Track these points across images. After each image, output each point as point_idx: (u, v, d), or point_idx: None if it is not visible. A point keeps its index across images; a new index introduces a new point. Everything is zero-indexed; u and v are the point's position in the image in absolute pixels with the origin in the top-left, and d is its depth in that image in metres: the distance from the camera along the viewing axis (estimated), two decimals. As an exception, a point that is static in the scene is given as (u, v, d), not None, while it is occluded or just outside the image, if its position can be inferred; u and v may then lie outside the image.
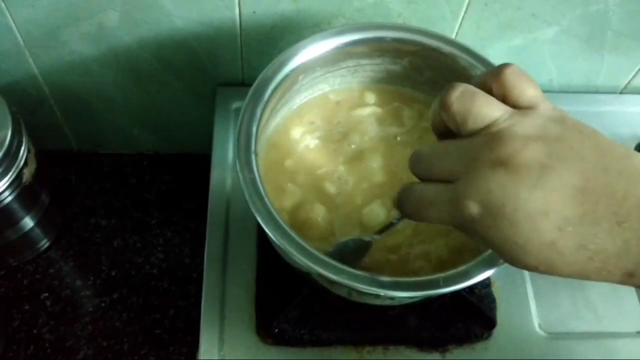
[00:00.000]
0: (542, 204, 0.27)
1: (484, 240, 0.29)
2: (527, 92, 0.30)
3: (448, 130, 0.31)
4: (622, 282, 0.28)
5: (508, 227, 0.27)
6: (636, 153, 0.28)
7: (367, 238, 0.42)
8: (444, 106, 0.30)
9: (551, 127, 0.28)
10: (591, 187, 0.27)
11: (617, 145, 0.28)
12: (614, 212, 0.26)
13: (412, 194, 0.32)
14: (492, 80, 0.30)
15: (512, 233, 0.27)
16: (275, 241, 0.37)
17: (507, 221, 0.27)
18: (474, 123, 0.29)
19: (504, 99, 0.30)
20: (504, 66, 0.30)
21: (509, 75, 0.30)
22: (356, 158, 0.48)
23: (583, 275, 0.28)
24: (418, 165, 0.32)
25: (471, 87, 0.30)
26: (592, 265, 0.27)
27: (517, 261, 0.29)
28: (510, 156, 0.27)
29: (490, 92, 0.30)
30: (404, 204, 0.33)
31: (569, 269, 0.28)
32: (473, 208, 0.28)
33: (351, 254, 0.42)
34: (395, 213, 0.42)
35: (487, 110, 0.29)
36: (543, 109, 0.30)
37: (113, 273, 0.63)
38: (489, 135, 0.29)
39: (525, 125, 0.28)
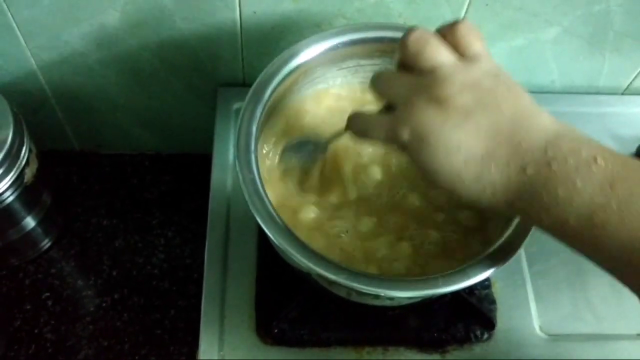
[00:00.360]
0: (457, 141, 0.33)
1: (412, 161, 0.35)
2: (474, 45, 0.35)
3: (405, 66, 0.36)
4: (505, 210, 0.34)
5: (428, 154, 0.34)
6: (542, 113, 0.34)
7: (322, 140, 0.45)
8: (402, 45, 0.35)
9: (486, 79, 0.34)
10: (499, 134, 0.33)
11: (532, 104, 0.34)
12: (508, 154, 0.32)
13: (360, 117, 0.39)
14: (446, 30, 0.35)
15: (430, 160, 0.34)
16: (275, 241, 0.37)
17: (429, 149, 0.33)
18: (423, 63, 0.34)
19: (455, 48, 0.35)
20: (458, 20, 0.35)
21: (461, 28, 0.35)
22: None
23: (476, 201, 0.34)
24: (376, 84, 0.37)
25: (428, 32, 0.35)
26: (485, 194, 0.34)
27: (432, 182, 0.35)
28: (445, 98, 0.33)
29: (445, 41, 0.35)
30: (353, 124, 0.39)
31: (468, 194, 0.34)
32: (405, 133, 0.34)
33: (305, 153, 0.46)
34: None
35: (436, 54, 0.34)
36: (484, 62, 0.35)
37: (114, 273, 0.63)
38: (433, 77, 0.34)
39: (465, 74, 0.34)
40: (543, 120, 0.33)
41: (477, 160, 0.33)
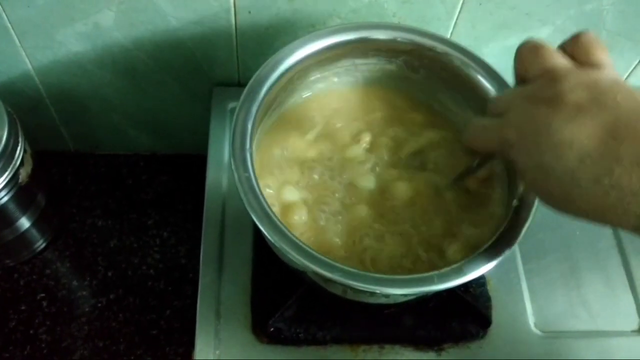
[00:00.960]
0: (569, 136, 0.29)
1: (516, 164, 0.33)
2: (597, 53, 0.33)
3: (524, 82, 0.35)
4: (636, 228, 0.29)
5: (536, 153, 0.31)
6: None
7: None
8: (518, 54, 0.34)
9: (604, 82, 0.31)
10: (620, 129, 0.29)
11: None
12: (635, 153, 0.28)
13: (472, 124, 0.37)
14: (568, 41, 0.34)
15: (538, 159, 0.31)
16: (270, 239, 0.37)
17: (536, 147, 0.31)
18: (537, 67, 0.33)
19: (575, 57, 0.33)
20: (583, 31, 0.34)
21: (584, 37, 0.33)
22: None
23: (598, 212, 0.30)
24: (491, 103, 0.36)
25: (541, 41, 0.34)
26: (608, 201, 0.29)
27: (538, 187, 0.32)
28: (556, 95, 0.31)
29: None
30: (465, 135, 0.37)
31: (585, 204, 0.30)
32: (511, 133, 0.32)
33: None
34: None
35: (549, 58, 0.33)
36: (606, 70, 0.32)
37: (109, 273, 0.63)
38: (545, 79, 0.32)
39: (580, 76, 0.31)
40: None
41: (595, 157, 0.29)
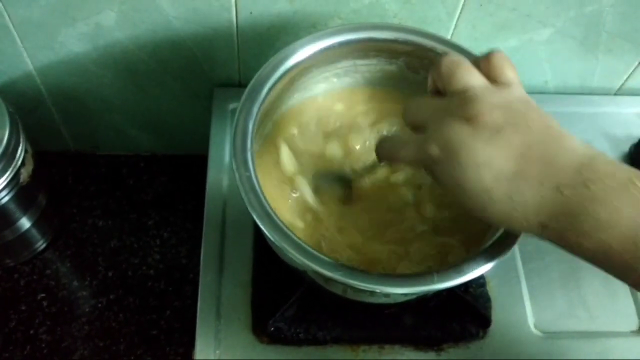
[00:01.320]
0: (488, 157, 0.32)
1: (439, 180, 0.35)
2: (507, 72, 0.36)
3: (438, 92, 0.37)
4: (538, 233, 0.33)
5: (458, 171, 0.33)
6: (572, 136, 0.34)
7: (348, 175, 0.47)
8: (436, 67, 0.36)
9: (516, 104, 0.34)
10: (530, 153, 0.32)
11: (561, 129, 0.34)
12: (540, 173, 0.32)
13: (389, 139, 0.40)
14: (480, 59, 0.36)
15: (460, 176, 0.33)
16: (271, 238, 0.37)
17: (458, 165, 0.33)
18: (455, 84, 0.35)
19: (487, 75, 0.36)
20: (493, 50, 0.36)
21: (496, 56, 0.36)
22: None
23: (507, 222, 0.34)
24: (407, 111, 0.38)
25: (460, 57, 0.36)
26: (515, 215, 0.33)
27: (460, 202, 0.35)
28: (475, 115, 0.33)
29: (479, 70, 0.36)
30: (382, 147, 0.40)
31: (497, 215, 0.33)
32: (434, 149, 0.34)
33: (329, 185, 0.47)
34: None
35: (468, 76, 0.35)
36: (515, 89, 0.35)
37: (110, 274, 0.63)
38: (464, 98, 0.34)
39: (495, 96, 0.34)
40: (574, 142, 0.33)
41: (508, 177, 0.32)
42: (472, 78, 0.35)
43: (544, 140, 0.33)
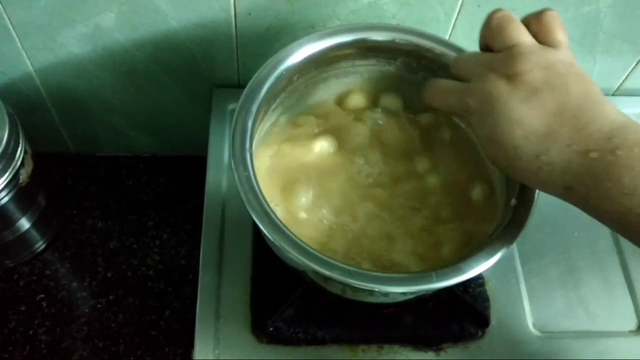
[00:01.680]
0: (521, 116, 0.34)
1: (473, 129, 0.37)
2: (556, 33, 0.36)
3: (487, 49, 0.38)
4: (563, 195, 0.34)
5: (491, 125, 0.35)
6: (609, 103, 0.34)
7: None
8: (488, 21, 0.37)
9: (559, 65, 0.35)
10: (563, 115, 0.33)
11: (600, 94, 0.35)
12: (570, 137, 0.33)
13: (435, 85, 0.41)
14: (532, 17, 0.37)
15: (492, 130, 0.35)
16: (270, 238, 0.38)
17: (492, 119, 0.35)
18: (503, 40, 0.36)
19: (536, 34, 0.36)
20: (546, 9, 0.37)
21: (547, 15, 0.36)
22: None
23: (532, 180, 0.35)
24: (455, 64, 0.40)
25: (511, 14, 0.36)
26: (541, 174, 0.34)
27: (489, 154, 0.36)
28: (517, 73, 0.34)
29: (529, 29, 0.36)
30: (427, 93, 0.41)
31: (522, 172, 0.35)
32: (473, 101, 0.36)
33: None
34: None
35: (517, 33, 0.36)
36: (562, 52, 0.36)
37: (109, 274, 0.63)
38: (509, 54, 0.35)
39: (540, 56, 0.35)
40: (609, 110, 0.34)
41: (538, 137, 0.33)
42: (521, 35, 0.35)
43: (579, 104, 0.33)
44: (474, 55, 0.39)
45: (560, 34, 0.36)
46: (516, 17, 0.36)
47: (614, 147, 0.32)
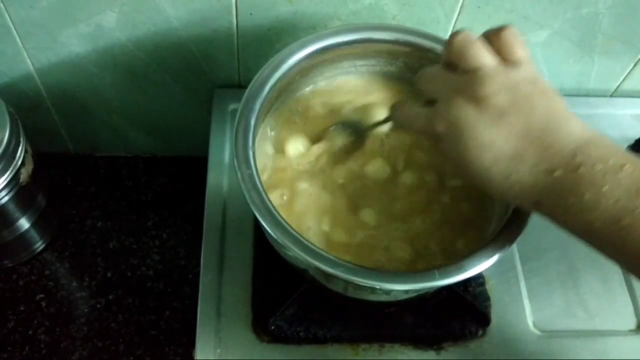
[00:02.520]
0: (490, 139, 0.34)
1: (444, 153, 0.37)
2: (517, 51, 0.36)
3: (450, 65, 0.38)
4: (534, 209, 0.36)
5: (461, 149, 0.35)
6: (574, 119, 0.35)
7: (361, 127, 0.48)
8: (449, 43, 0.37)
9: (524, 84, 0.35)
10: (529, 136, 0.34)
11: (565, 110, 0.35)
12: (536, 156, 0.34)
13: (402, 108, 0.41)
14: (492, 34, 0.37)
15: (463, 154, 0.35)
16: (273, 235, 0.38)
17: (462, 144, 0.35)
18: (466, 62, 0.36)
19: (498, 52, 0.36)
20: (505, 26, 0.37)
21: (506, 33, 0.36)
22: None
23: (505, 197, 0.37)
24: (419, 80, 0.40)
25: (472, 35, 0.36)
26: (512, 192, 0.35)
27: (463, 176, 0.38)
28: (483, 97, 0.34)
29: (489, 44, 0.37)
30: (394, 114, 0.42)
31: (496, 191, 0.36)
32: (441, 126, 0.36)
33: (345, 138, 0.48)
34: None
35: (479, 55, 0.36)
36: (525, 68, 0.36)
37: (109, 274, 0.63)
38: (475, 76, 0.35)
39: (504, 77, 0.35)
40: (574, 126, 0.34)
41: (507, 159, 0.34)
42: (483, 57, 0.35)
43: (544, 124, 0.34)
44: (437, 72, 0.38)
45: (520, 50, 0.36)
46: (476, 36, 0.36)
47: (578, 164, 0.33)
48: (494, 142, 0.34)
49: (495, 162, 0.34)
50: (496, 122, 0.34)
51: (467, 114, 0.35)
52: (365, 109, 0.50)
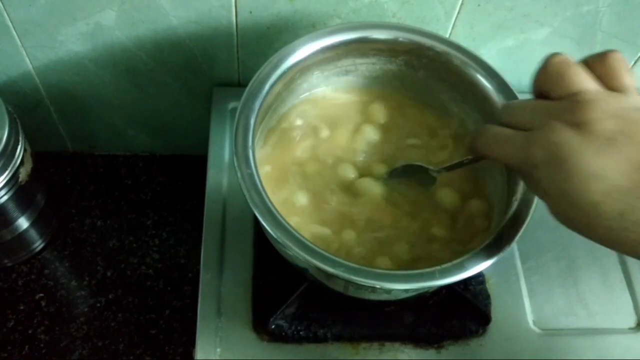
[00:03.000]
0: (598, 169, 0.30)
1: (537, 186, 0.33)
2: (623, 77, 0.33)
3: (542, 95, 0.34)
4: None
5: (563, 180, 0.31)
6: None
7: (433, 173, 0.45)
8: (544, 66, 0.34)
9: (632, 112, 0.31)
10: None
11: None
12: None
13: (489, 132, 0.36)
14: (595, 59, 0.33)
15: (565, 186, 0.31)
16: (273, 235, 0.38)
17: (564, 174, 0.31)
18: (565, 87, 0.32)
19: (600, 78, 0.33)
20: (611, 51, 0.33)
21: (611, 58, 0.33)
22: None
23: (613, 243, 0.31)
24: (506, 111, 0.36)
25: (570, 58, 0.33)
26: (627, 235, 0.30)
27: (560, 213, 0.32)
28: (587, 122, 0.30)
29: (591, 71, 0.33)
30: (479, 140, 0.36)
31: (603, 233, 0.31)
32: (539, 154, 0.32)
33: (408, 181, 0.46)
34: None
35: (579, 79, 0.32)
36: (632, 97, 0.32)
37: (108, 273, 0.63)
38: (575, 101, 0.32)
39: (610, 103, 0.31)
40: None
41: (620, 193, 0.30)
42: (584, 81, 0.32)
43: None
44: (528, 102, 0.35)
45: (627, 78, 0.33)
46: (574, 60, 0.33)
47: None
48: (605, 172, 0.30)
49: (606, 196, 0.30)
50: (605, 149, 0.30)
51: (569, 139, 0.30)
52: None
